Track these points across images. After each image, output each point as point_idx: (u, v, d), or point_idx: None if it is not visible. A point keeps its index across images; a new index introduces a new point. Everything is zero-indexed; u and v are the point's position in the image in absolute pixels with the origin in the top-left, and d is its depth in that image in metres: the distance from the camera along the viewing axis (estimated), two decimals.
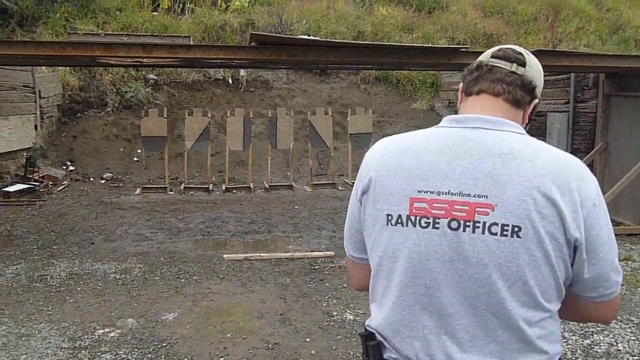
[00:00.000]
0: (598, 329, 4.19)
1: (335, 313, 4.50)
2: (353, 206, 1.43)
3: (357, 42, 10.42)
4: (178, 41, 8.19)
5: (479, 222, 1.19)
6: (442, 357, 1.24)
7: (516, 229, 1.17)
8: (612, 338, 4.06)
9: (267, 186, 10.02)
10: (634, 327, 4.26)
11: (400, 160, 1.31)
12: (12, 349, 3.77)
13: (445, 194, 1.23)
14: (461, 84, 1.43)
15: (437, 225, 1.23)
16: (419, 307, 1.27)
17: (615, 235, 1.28)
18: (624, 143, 7.36)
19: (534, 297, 1.21)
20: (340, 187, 10.14)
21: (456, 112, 1.44)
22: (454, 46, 8.98)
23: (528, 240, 1.17)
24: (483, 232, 1.19)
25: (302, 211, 8.36)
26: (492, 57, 1.37)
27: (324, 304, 4.70)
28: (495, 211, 1.19)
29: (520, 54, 1.36)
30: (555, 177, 1.19)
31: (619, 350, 3.89)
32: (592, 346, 3.93)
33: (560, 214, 1.17)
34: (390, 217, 1.29)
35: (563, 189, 1.18)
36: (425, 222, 1.24)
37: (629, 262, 5.80)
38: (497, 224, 1.18)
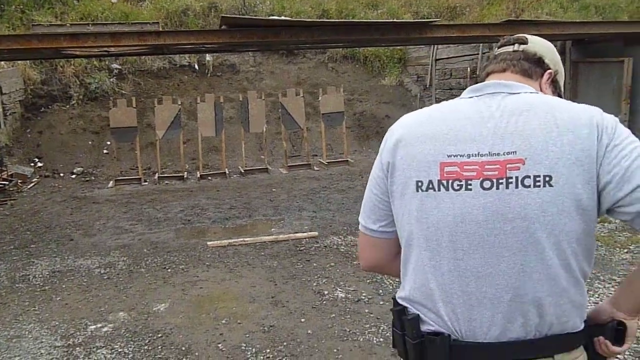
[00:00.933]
0: None
1: (326, 292, 4.53)
2: (377, 178, 1.43)
3: (328, 20, 10.36)
4: (147, 28, 8.00)
5: (511, 177, 1.23)
6: (484, 321, 1.27)
7: (547, 178, 1.21)
8: (597, 298, 4.18)
9: (243, 171, 9.96)
10: (616, 285, 4.39)
11: (426, 128, 1.34)
12: (3, 352, 3.70)
13: (475, 156, 1.26)
14: None
15: (469, 187, 1.25)
16: (457, 273, 1.29)
17: None
18: None
19: (570, 244, 1.24)
20: (315, 168, 10.14)
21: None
22: (425, 20, 8.99)
23: (560, 187, 1.21)
24: (517, 187, 1.22)
25: (281, 193, 8.34)
26: (497, 47, 1.48)
27: (314, 284, 4.72)
28: (526, 164, 1.22)
29: (523, 36, 1.46)
30: (574, 124, 1.23)
31: None
32: None
33: (583, 156, 1.21)
34: (420, 184, 1.31)
35: (583, 131, 1.22)
36: (458, 185, 1.26)
37: (606, 224, 5.95)
38: (529, 177, 1.22)
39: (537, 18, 11.47)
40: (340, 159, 10.42)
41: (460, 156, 1.27)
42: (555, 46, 6.46)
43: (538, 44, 1.46)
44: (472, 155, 1.26)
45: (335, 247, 5.68)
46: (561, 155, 1.21)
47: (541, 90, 1.42)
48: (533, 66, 1.42)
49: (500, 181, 1.24)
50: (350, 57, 13.11)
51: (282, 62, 12.93)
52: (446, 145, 1.29)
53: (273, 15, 11.85)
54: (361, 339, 3.71)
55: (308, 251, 5.60)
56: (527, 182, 1.22)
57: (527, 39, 1.46)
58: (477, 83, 1.43)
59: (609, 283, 4.43)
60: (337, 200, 7.75)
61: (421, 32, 6.29)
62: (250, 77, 12.54)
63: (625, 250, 5.18)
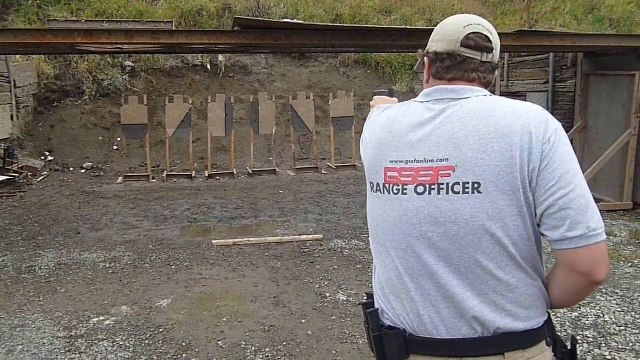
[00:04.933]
0: (585, 302, 4.30)
1: (328, 294, 4.55)
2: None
3: (341, 25, 10.40)
4: (160, 27, 8.07)
5: (442, 184, 1.30)
6: (432, 317, 1.34)
7: (476, 185, 1.27)
8: (599, 310, 4.18)
9: (251, 172, 10.00)
10: (618, 299, 4.39)
11: (378, 134, 1.45)
12: (7, 340, 3.75)
13: (412, 162, 1.34)
14: (426, 60, 1.46)
15: (405, 191, 1.35)
16: (402, 269, 1.37)
17: None
18: (603, 121, 7.50)
19: (505, 248, 1.29)
20: (323, 171, 10.16)
21: None
22: None
23: (489, 194, 1.26)
24: (447, 193, 1.29)
25: (287, 195, 8.37)
26: (462, 46, 1.38)
27: (317, 286, 4.74)
28: (456, 172, 1.29)
29: (487, 38, 1.38)
30: (507, 130, 1.27)
31: (606, 321, 4.01)
32: (579, 318, 4.04)
33: (514, 163, 1.25)
34: (372, 185, 1.45)
35: (515, 138, 1.25)
36: (396, 189, 1.36)
37: (611, 237, 5.94)
38: (459, 183, 1.28)
39: (550, 29, 11.47)
40: (348, 164, 10.44)
41: (400, 162, 1.36)
42: (566, 58, 6.41)
43: (498, 46, 1.41)
44: (410, 162, 1.35)
45: (339, 250, 5.70)
46: (490, 163, 1.26)
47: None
48: (494, 74, 1.44)
49: (433, 187, 1.31)
50: (362, 62, 13.13)
51: (294, 65, 12.97)
52: (389, 152, 1.39)
53: (287, 18, 11.91)
54: (360, 342, 3.72)
55: (312, 253, 5.62)
56: (456, 188, 1.29)
57: (492, 46, 1.40)
58: (439, 78, 1.43)
59: (611, 296, 4.42)
60: (343, 204, 7.77)
61: None
62: (261, 79, 12.59)
63: (629, 265, 5.16)
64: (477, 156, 1.27)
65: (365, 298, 1.54)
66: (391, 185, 1.37)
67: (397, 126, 1.40)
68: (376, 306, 1.47)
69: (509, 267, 1.30)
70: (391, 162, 1.38)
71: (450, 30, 1.40)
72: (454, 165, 1.29)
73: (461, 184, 1.28)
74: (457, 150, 1.29)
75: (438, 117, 1.34)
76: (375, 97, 2.05)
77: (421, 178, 1.33)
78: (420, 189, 1.32)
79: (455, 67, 1.39)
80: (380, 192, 1.40)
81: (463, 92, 1.37)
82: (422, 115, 1.37)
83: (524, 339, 1.33)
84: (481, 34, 1.38)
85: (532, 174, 1.25)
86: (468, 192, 1.27)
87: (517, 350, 1.32)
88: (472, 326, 1.31)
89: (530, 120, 1.27)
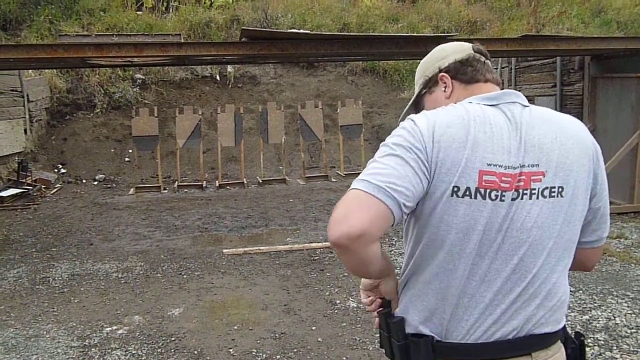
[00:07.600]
0: (596, 304, 4.30)
1: (338, 301, 4.57)
2: (417, 159, 1.28)
3: (348, 34, 10.47)
4: (169, 39, 8.18)
5: (534, 189, 1.32)
6: (472, 322, 1.34)
7: (560, 189, 1.34)
8: (610, 313, 4.17)
9: (261, 181, 10.06)
10: (630, 301, 4.38)
11: (467, 132, 1.30)
12: (22, 350, 3.81)
13: (510, 168, 1.30)
14: (447, 74, 1.49)
15: (503, 198, 1.30)
16: (468, 276, 1.32)
17: None
18: (611, 124, 7.48)
19: (568, 253, 1.39)
20: (333, 179, 10.20)
21: None
22: (443, 34, 9.04)
23: (568, 198, 1.34)
24: (537, 198, 1.32)
25: (297, 204, 8.41)
26: (476, 52, 1.51)
27: (327, 293, 4.77)
28: (546, 177, 1.32)
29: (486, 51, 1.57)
30: (580, 139, 1.39)
31: (617, 324, 4.00)
32: (590, 321, 4.03)
33: (587, 170, 1.37)
34: (456, 189, 1.28)
35: (586, 148, 1.38)
36: (494, 195, 1.29)
37: (622, 240, 5.93)
38: (547, 188, 1.33)
39: (557, 33, 11.46)
40: (357, 171, 10.41)
41: (499, 166, 1.29)
42: (574, 62, 6.42)
43: None
44: (508, 167, 1.29)
45: None
46: (572, 168, 1.34)
47: None
48: None
49: (525, 192, 1.31)
50: (370, 70, 13.18)
51: (303, 75, 13.05)
52: (486, 154, 1.29)
53: (294, 28, 12.00)
54: (371, 348, 3.75)
55: (322, 261, 5.65)
56: (545, 193, 1.33)
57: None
58: (475, 81, 1.49)
59: (622, 299, 4.41)
60: None
61: None
62: (270, 89, 12.68)
63: None
64: (561, 161, 1.33)
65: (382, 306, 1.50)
66: (488, 190, 1.28)
67: (489, 127, 1.31)
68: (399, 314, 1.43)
69: (563, 273, 1.39)
70: (488, 164, 1.28)
71: (455, 45, 1.55)
72: (544, 171, 1.32)
73: (549, 188, 1.32)
74: (546, 156, 1.32)
75: (520, 122, 1.35)
76: None
77: (517, 184, 1.30)
78: (514, 195, 1.30)
79: (483, 69, 1.48)
80: (470, 197, 1.27)
81: (523, 99, 1.42)
82: (505, 117, 1.35)
83: (551, 338, 1.39)
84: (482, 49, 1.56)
85: (595, 183, 1.40)
86: (554, 196, 1.33)
87: (542, 349, 1.37)
88: (508, 330, 1.33)
89: (589, 134, 1.43)
